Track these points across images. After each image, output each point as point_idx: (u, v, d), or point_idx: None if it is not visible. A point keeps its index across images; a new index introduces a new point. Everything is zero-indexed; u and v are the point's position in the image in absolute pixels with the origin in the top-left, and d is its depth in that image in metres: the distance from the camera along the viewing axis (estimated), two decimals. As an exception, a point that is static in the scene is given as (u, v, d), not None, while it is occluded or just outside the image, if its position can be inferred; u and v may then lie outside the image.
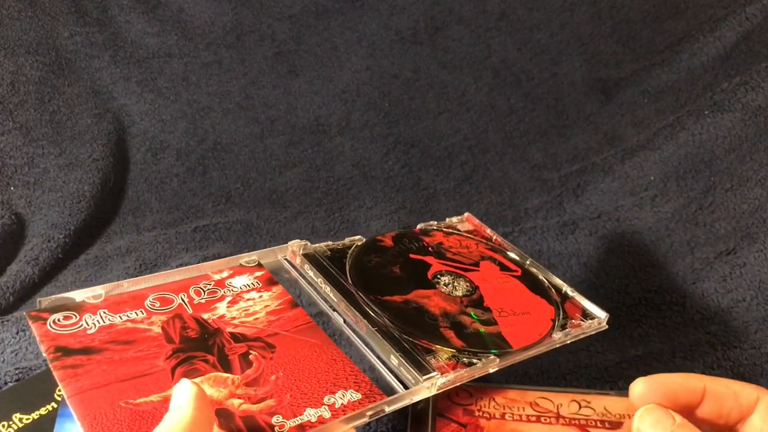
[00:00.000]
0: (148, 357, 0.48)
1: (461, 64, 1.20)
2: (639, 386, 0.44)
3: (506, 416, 0.60)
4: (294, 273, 0.62)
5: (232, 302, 0.55)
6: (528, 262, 0.70)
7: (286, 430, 0.44)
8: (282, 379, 0.49)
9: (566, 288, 0.66)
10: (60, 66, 1.12)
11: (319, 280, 0.59)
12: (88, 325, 0.50)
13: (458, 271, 0.65)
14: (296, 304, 0.57)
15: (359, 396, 0.48)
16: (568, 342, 0.60)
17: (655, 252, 0.91)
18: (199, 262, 0.63)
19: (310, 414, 0.46)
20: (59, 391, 0.61)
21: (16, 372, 0.69)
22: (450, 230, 0.73)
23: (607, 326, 0.63)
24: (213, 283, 0.57)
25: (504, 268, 0.68)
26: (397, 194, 1.08)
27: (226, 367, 0.49)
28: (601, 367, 0.75)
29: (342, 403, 0.47)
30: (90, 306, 0.52)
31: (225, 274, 0.59)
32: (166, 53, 1.18)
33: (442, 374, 0.51)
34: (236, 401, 0.46)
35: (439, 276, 0.64)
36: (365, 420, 0.47)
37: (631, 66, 1.15)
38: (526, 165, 1.11)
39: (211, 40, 1.20)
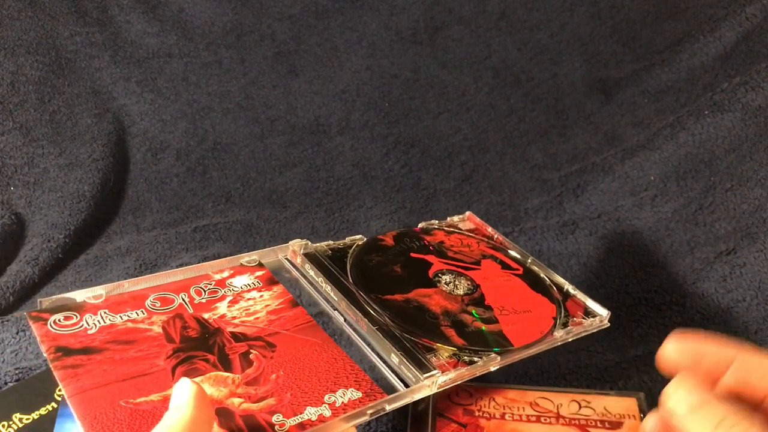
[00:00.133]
0: (148, 357, 0.48)
1: (461, 64, 1.20)
2: (670, 351, 0.40)
3: (506, 416, 0.60)
4: (295, 272, 0.62)
5: (233, 302, 0.55)
6: (529, 261, 0.70)
7: (286, 429, 0.44)
8: (282, 378, 0.49)
9: (568, 286, 0.66)
10: (60, 66, 1.12)
11: (320, 280, 0.59)
12: (88, 325, 0.50)
13: (459, 269, 0.65)
14: (297, 304, 0.57)
15: (360, 394, 0.48)
16: (570, 340, 0.60)
17: (655, 252, 0.91)
18: (199, 262, 0.63)
19: (310, 413, 0.46)
20: (59, 391, 0.61)
21: (16, 372, 0.69)
22: (451, 229, 0.73)
23: (608, 324, 0.63)
24: (214, 282, 0.57)
25: (505, 266, 0.68)
26: (397, 194, 1.08)
27: (227, 366, 0.49)
28: (601, 367, 0.75)
29: (342, 402, 0.47)
30: (90, 306, 0.52)
31: (226, 274, 0.59)
32: (166, 53, 1.18)
33: (442, 372, 0.51)
34: (237, 400, 0.46)
35: (440, 275, 0.64)
36: (366, 418, 0.47)
37: (631, 66, 1.16)
38: (526, 165, 1.11)
39: (211, 40, 1.20)
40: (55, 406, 0.61)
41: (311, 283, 0.60)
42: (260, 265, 0.61)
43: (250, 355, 0.50)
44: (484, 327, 0.58)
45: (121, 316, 0.51)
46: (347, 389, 0.49)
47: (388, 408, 0.48)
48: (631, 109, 1.12)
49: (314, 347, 0.52)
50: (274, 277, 0.59)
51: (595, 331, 0.62)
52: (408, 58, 1.21)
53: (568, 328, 0.60)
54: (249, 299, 0.56)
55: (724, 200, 0.91)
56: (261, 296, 0.57)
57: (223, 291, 0.56)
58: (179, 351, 0.49)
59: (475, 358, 0.54)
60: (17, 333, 0.77)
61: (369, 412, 0.47)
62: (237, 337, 0.52)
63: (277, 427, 0.44)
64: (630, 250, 0.92)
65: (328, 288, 0.59)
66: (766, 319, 0.79)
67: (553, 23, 1.20)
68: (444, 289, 0.62)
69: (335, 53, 1.21)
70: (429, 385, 0.50)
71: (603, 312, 0.63)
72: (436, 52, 1.21)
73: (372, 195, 1.08)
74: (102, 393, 0.45)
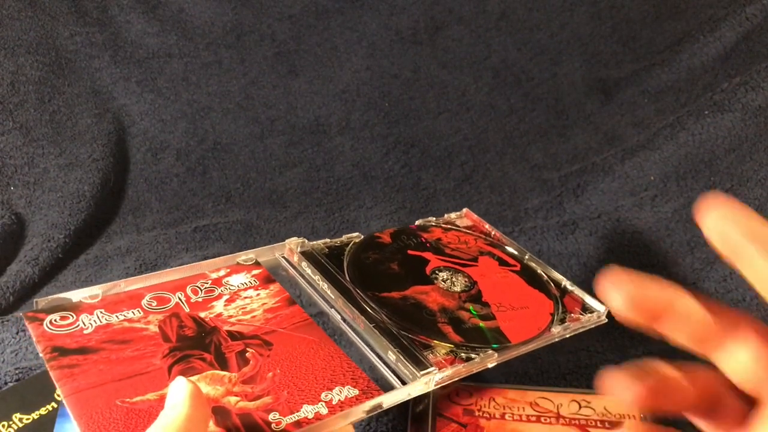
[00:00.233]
0: (144, 356, 0.48)
1: (461, 64, 1.20)
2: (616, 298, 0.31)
3: (506, 416, 0.60)
4: (291, 271, 0.62)
5: (230, 300, 0.55)
6: (527, 257, 0.69)
7: (282, 427, 0.44)
8: (279, 377, 0.49)
9: (565, 282, 0.66)
10: (60, 66, 1.12)
11: (317, 278, 0.59)
12: (84, 325, 0.50)
13: (457, 266, 0.65)
14: (293, 302, 0.57)
15: (356, 392, 0.48)
16: (567, 336, 0.60)
17: (655, 252, 0.91)
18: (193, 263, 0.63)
19: (307, 410, 0.46)
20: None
21: (16, 372, 0.69)
22: (448, 226, 0.73)
23: (606, 320, 0.62)
24: (210, 281, 0.57)
25: (503, 263, 0.68)
26: (397, 194, 1.08)
27: (223, 364, 0.49)
28: (601, 367, 0.74)
29: (339, 400, 0.47)
30: (87, 306, 0.52)
31: (222, 273, 0.59)
32: (166, 53, 1.18)
33: (439, 369, 0.51)
34: (233, 399, 0.46)
35: (437, 272, 0.64)
36: (362, 416, 0.47)
37: (631, 66, 1.15)
38: (526, 165, 1.11)
39: (211, 40, 1.20)
40: (55, 406, 0.61)
41: (308, 282, 0.60)
42: (257, 264, 0.61)
43: (247, 354, 0.50)
44: (481, 324, 0.58)
45: (117, 316, 0.51)
46: (344, 387, 0.49)
47: (385, 405, 0.48)
48: (631, 109, 1.11)
49: (311, 345, 0.52)
50: (270, 276, 0.59)
51: (593, 326, 0.62)
52: (408, 58, 1.21)
53: (566, 324, 0.60)
54: (245, 298, 0.56)
55: (724, 200, 0.91)
56: (257, 295, 0.57)
57: (219, 290, 0.56)
58: (175, 350, 0.49)
59: (473, 355, 0.54)
60: (17, 333, 0.77)
61: (365, 409, 0.47)
62: (233, 336, 0.52)
63: (273, 426, 0.44)
64: (630, 250, 0.92)
65: (325, 286, 0.59)
66: (766, 319, 0.78)
67: (553, 23, 1.20)
68: (441, 286, 0.62)
69: (335, 53, 1.21)
70: (426, 383, 0.50)
71: (601, 308, 0.62)
72: (436, 52, 1.21)
73: (372, 195, 1.08)
74: (98, 392, 0.45)
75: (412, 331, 0.54)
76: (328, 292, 0.58)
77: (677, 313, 0.31)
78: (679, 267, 0.88)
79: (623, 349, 0.78)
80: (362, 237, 0.66)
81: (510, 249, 0.71)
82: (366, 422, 0.65)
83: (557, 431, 0.58)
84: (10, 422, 0.59)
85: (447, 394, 0.61)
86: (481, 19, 1.21)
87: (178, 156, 1.12)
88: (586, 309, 0.63)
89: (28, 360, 0.73)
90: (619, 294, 0.31)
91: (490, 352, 0.54)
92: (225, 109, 1.16)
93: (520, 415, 0.60)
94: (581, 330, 0.61)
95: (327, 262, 0.61)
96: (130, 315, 0.52)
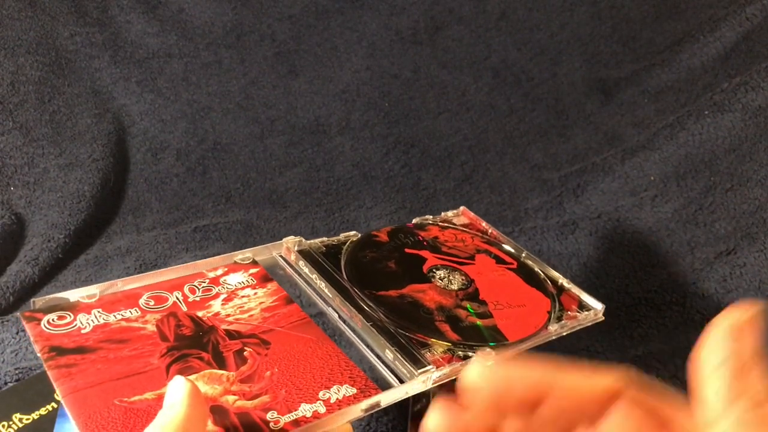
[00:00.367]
0: (142, 355, 0.48)
1: (461, 64, 1.20)
2: (474, 375, 0.31)
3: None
4: (289, 270, 0.61)
5: (227, 299, 0.55)
6: (523, 255, 0.69)
7: (281, 426, 0.44)
8: (277, 375, 0.48)
9: (562, 280, 0.66)
10: (60, 66, 1.12)
11: (314, 276, 0.59)
12: (82, 324, 0.50)
13: (454, 264, 0.65)
14: (291, 301, 0.57)
15: (354, 391, 0.48)
16: (564, 334, 0.59)
17: (655, 252, 0.91)
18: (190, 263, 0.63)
19: (305, 409, 0.46)
20: (59, 390, 0.61)
21: (16, 372, 0.69)
22: (445, 224, 0.73)
23: (603, 318, 0.62)
24: (207, 280, 0.57)
25: (500, 261, 0.68)
26: (397, 194, 1.08)
27: (221, 364, 0.49)
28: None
29: (337, 398, 0.47)
30: (84, 306, 0.52)
31: (219, 272, 0.59)
32: (166, 53, 1.18)
33: (437, 368, 0.51)
34: (231, 398, 0.46)
35: (434, 270, 0.63)
36: (360, 414, 0.47)
37: (631, 66, 1.15)
38: (526, 165, 1.11)
39: (211, 40, 1.20)
40: (55, 406, 0.61)
41: (305, 280, 0.60)
42: (254, 263, 0.61)
43: (245, 353, 0.50)
44: (478, 322, 0.58)
45: (114, 315, 0.51)
46: (342, 385, 0.48)
47: (383, 404, 0.48)
48: (631, 109, 1.11)
49: (309, 344, 0.52)
50: (268, 275, 0.59)
51: (590, 324, 0.62)
52: (408, 58, 1.21)
53: (563, 321, 0.60)
54: (243, 297, 0.56)
55: (724, 200, 0.91)
56: (255, 294, 0.57)
57: (217, 289, 0.56)
58: (173, 349, 0.49)
59: (470, 353, 0.53)
60: (17, 333, 0.77)
61: (363, 408, 0.47)
62: (231, 335, 0.52)
63: (271, 424, 0.44)
64: (630, 250, 0.92)
65: (322, 285, 0.58)
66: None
67: (553, 23, 1.20)
68: (438, 284, 0.62)
69: (335, 53, 1.21)
70: (423, 381, 0.50)
71: (597, 305, 0.62)
72: (436, 52, 1.21)
73: (372, 195, 1.08)
74: (96, 392, 0.44)
75: (409, 329, 0.54)
76: (326, 290, 0.58)
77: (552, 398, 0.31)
78: (679, 267, 0.88)
79: (623, 349, 0.78)
80: (359, 235, 0.66)
81: (507, 247, 0.70)
82: (366, 422, 0.65)
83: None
84: (10, 422, 0.59)
85: (446, 392, 0.61)
86: (481, 19, 1.21)
87: (178, 156, 1.12)
88: (583, 306, 0.63)
89: (28, 360, 0.73)
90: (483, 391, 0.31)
91: (488, 350, 0.54)
92: (225, 109, 1.17)
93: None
94: (578, 328, 0.61)
95: (324, 261, 0.61)
96: (127, 314, 0.52)
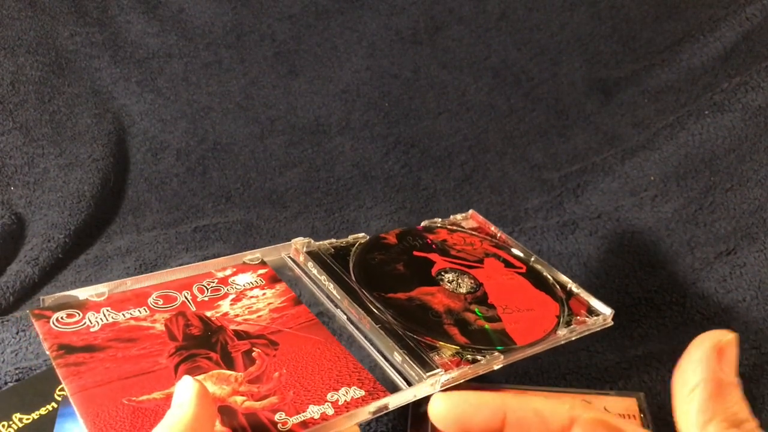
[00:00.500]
0: (151, 354, 0.48)
1: (461, 64, 1.21)
2: (438, 405, 0.35)
3: (507, 415, 0.59)
4: (297, 270, 0.62)
5: (236, 300, 0.55)
6: (533, 259, 0.70)
7: (289, 427, 0.44)
8: (285, 376, 0.49)
9: (571, 284, 0.66)
10: (60, 66, 1.12)
11: (323, 278, 0.59)
12: (91, 323, 0.50)
13: (462, 268, 0.65)
14: (299, 302, 0.57)
15: (362, 393, 0.48)
16: (573, 339, 0.60)
17: (655, 252, 0.91)
18: (199, 262, 0.63)
19: (313, 411, 0.46)
20: (59, 390, 0.61)
21: (16, 372, 0.69)
22: (454, 227, 0.73)
23: (612, 323, 0.62)
24: (216, 280, 0.57)
25: (508, 264, 0.68)
26: (397, 194, 1.08)
27: (229, 364, 0.49)
28: (601, 367, 0.75)
29: (345, 400, 0.47)
30: (93, 304, 0.52)
31: (228, 272, 0.59)
32: (166, 53, 1.18)
33: (445, 371, 0.51)
34: (239, 398, 0.46)
35: (443, 273, 0.64)
36: (368, 417, 0.47)
37: (631, 66, 1.16)
38: (526, 165, 1.11)
39: (211, 40, 1.20)
40: (55, 406, 0.61)
41: (314, 281, 0.60)
42: (263, 263, 0.61)
43: (253, 353, 0.50)
44: (487, 325, 0.58)
45: (123, 314, 0.51)
46: (350, 387, 0.49)
47: (391, 406, 0.48)
48: (631, 109, 1.12)
49: (317, 345, 0.52)
50: (276, 275, 0.59)
51: (598, 329, 0.62)
52: (408, 58, 1.21)
53: (572, 326, 0.60)
54: (251, 297, 0.56)
55: (724, 200, 0.91)
56: (263, 294, 0.57)
57: (225, 289, 0.56)
58: (182, 349, 0.49)
59: (479, 357, 0.54)
60: (17, 333, 0.77)
61: (371, 410, 0.47)
62: (239, 335, 0.52)
63: (279, 426, 0.44)
64: (630, 250, 0.92)
65: (330, 286, 0.58)
66: (766, 319, 0.79)
67: (553, 23, 1.20)
68: (447, 287, 0.62)
69: (335, 53, 1.21)
70: (432, 384, 0.50)
71: (606, 311, 0.62)
72: (436, 52, 1.21)
73: (372, 195, 1.08)
74: (104, 391, 0.45)
75: (417, 332, 0.54)
76: (334, 292, 0.58)
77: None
78: (679, 267, 0.88)
79: (623, 349, 0.78)
80: (368, 237, 0.66)
81: (516, 251, 0.71)
82: (366, 422, 0.65)
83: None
84: (10, 422, 0.59)
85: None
86: (481, 19, 1.21)
87: (178, 156, 1.12)
88: (591, 311, 0.63)
89: (28, 360, 0.73)
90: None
91: (496, 354, 0.54)
92: (225, 109, 1.16)
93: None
94: (587, 333, 0.61)
95: (333, 263, 0.61)
96: (136, 313, 0.52)
